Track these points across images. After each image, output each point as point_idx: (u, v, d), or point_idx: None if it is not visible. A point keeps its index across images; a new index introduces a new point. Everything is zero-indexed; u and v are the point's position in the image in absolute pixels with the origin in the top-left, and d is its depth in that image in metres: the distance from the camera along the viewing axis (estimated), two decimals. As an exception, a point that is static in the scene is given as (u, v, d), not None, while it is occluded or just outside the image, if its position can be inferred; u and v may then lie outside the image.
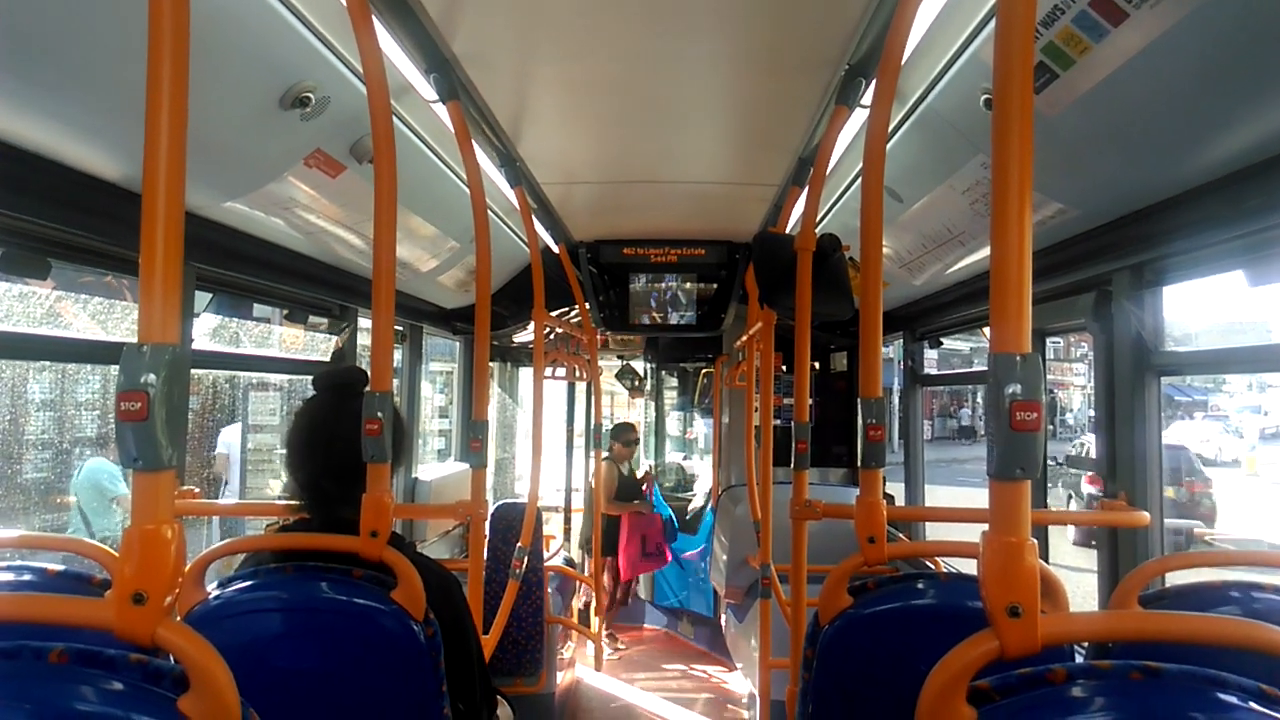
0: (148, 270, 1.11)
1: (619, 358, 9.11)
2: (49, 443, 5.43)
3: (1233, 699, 1.03)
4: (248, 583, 1.75)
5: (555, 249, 4.79)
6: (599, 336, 6.30)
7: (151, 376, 1.09)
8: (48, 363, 5.08)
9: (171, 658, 1.11)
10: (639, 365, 9.11)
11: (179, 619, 1.49)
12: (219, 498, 6.04)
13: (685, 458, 9.97)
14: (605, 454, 6.87)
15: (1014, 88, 1.12)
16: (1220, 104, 1.81)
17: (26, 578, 1.86)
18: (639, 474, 7.49)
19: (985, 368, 1.15)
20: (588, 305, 5.30)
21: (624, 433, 7.45)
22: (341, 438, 1.81)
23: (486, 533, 3.99)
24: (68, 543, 2.52)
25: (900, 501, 4.93)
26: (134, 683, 1.07)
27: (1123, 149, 2.16)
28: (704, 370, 8.59)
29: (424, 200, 3.46)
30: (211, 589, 1.74)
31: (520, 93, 2.81)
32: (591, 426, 6.98)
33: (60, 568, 1.88)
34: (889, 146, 2.43)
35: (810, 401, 3.11)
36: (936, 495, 5.45)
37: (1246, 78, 1.69)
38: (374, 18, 1.87)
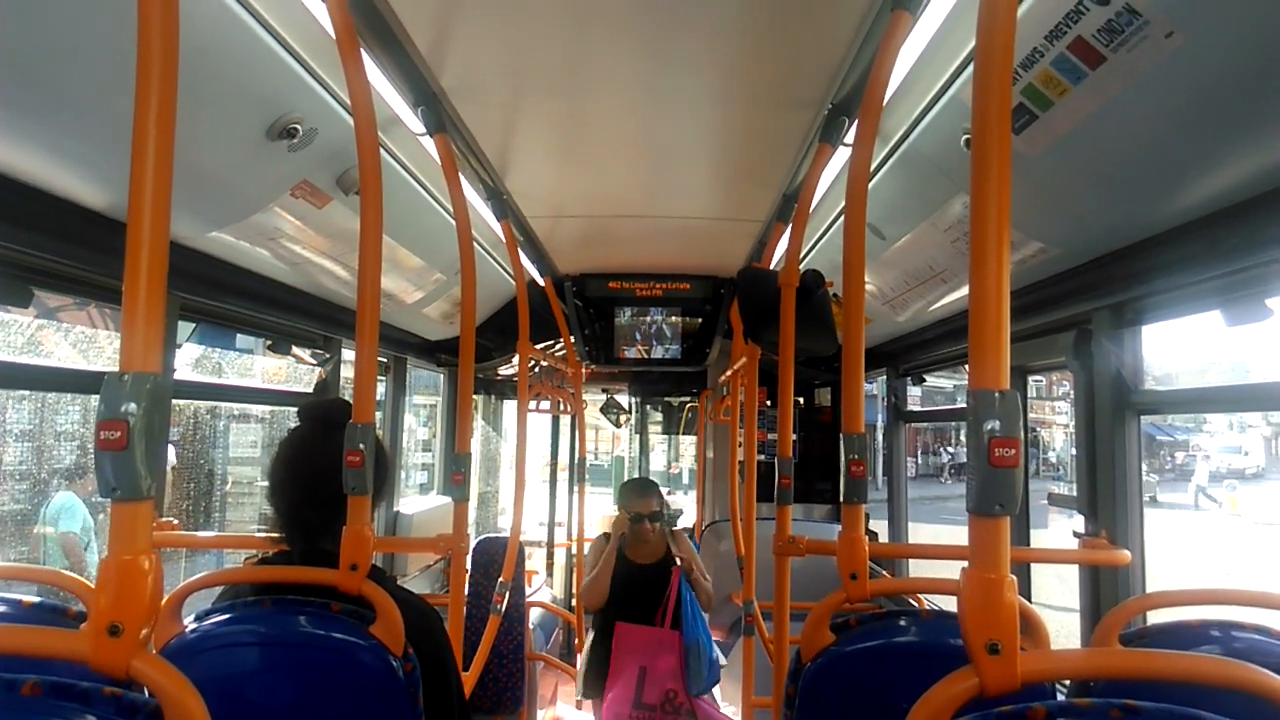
0: (130, 299, 1.11)
1: (603, 391, 9.10)
2: (26, 474, 5.37)
3: None
4: (225, 616, 1.72)
5: (541, 282, 4.81)
6: (584, 370, 6.30)
7: (132, 406, 1.09)
8: (26, 392, 5.04)
9: (146, 691, 1.09)
10: (624, 399, 9.09)
11: (155, 652, 1.47)
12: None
13: (669, 492, 9.93)
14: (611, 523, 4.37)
15: (992, 128, 1.14)
16: (1198, 146, 1.84)
17: (1, 609, 1.83)
18: (673, 553, 4.33)
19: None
20: (573, 338, 5.30)
21: (631, 497, 4.35)
22: (324, 469, 1.80)
23: (468, 567, 3.97)
24: (43, 574, 2.48)
25: (884, 538, 4.93)
26: (108, 716, 1.06)
27: (1102, 189, 2.18)
28: (688, 404, 8.58)
29: (410, 232, 3.47)
30: (188, 622, 1.72)
31: (507, 127, 2.83)
32: (575, 460, 6.95)
33: (35, 599, 1.86)
34: (872, 185, 2.45)
35: (794, 437, 3.11)
36: (920, 534, 5.44)
37: (1224, 120, 1.72)
38: (362, 50, 1.89)
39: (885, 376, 5.03)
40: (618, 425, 9.72)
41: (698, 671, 3.97)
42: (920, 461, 28.73)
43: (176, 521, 2.68)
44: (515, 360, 4.94)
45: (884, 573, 4.66)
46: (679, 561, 4.29)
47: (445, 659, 1.88)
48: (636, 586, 4.22)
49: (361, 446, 1.77)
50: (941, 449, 30.31)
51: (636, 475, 9.06)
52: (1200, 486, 24.04)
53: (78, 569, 5.38)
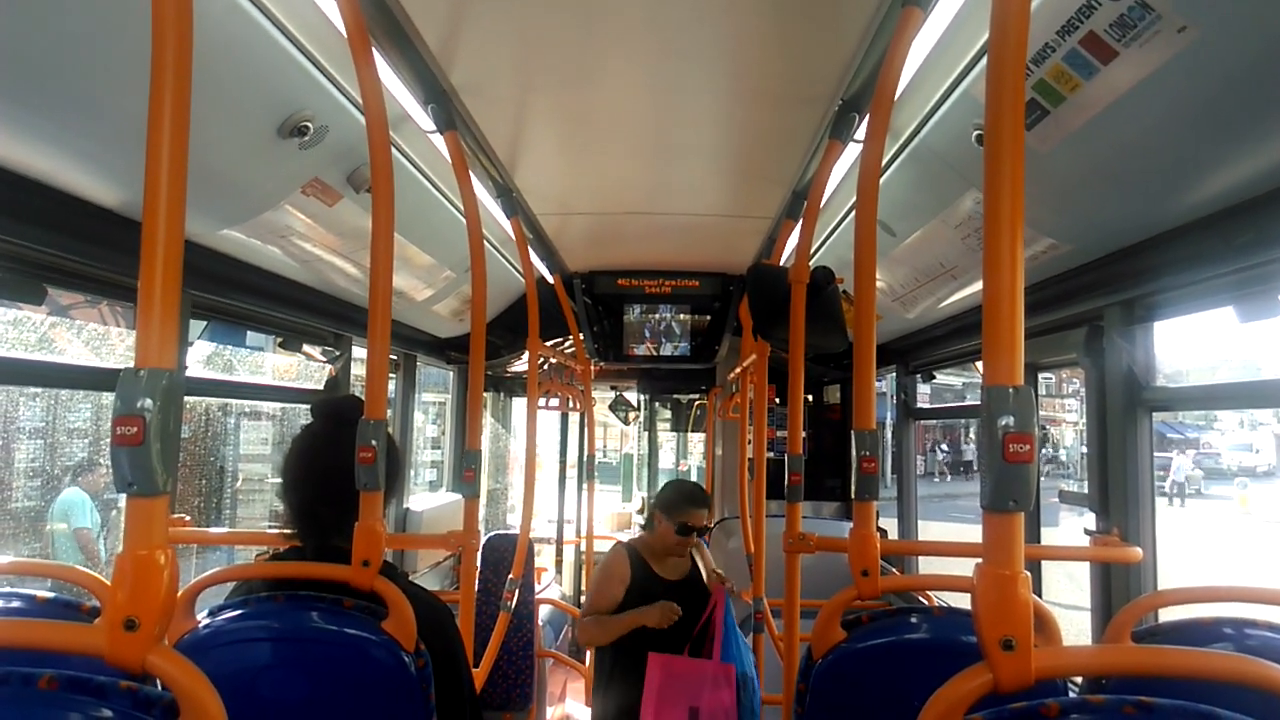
0: (146, 295, 1.12)
1: (612, 388, 9.11)
2: (39, 470, 5.40)
3: None
4: (238, 611, 1.73)
5: (550, 279, 4.81)
6: (593, 367, 6.30)
7: (148, 401, 1.09)
8: (39, 389, 5.07)
9: (161, 685, 1.10)
10: (632, 396, 9.10)
11: (169, 647, 1.48)
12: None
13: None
14: (638, 528, 3.67)
15: (1005, 124, 1.14)
16: (1210, 141, 1.83)
17: (15, 604, 1.84)
18: (699, 566, 3.77)
19: (977, 401, 1.15)
20: (582, 336, 5.30)
21: (684, 504, 3.61)
22: (338, 465, 1.81)
23: (478, 564, 3.97)
24: (57, 569, 2.50)
25: (894, 535, 4.92)
26: (124, 710, 1.07)
27: (1114, 185, 2.18)
28: (697, 402, 8.57)
29: (420, 230, 3.48)
30: (202, 617, 1.73)
31: (517, 124, 2.84)
32: (585, 457, 6.96)
33: (50, 594, 1.87)
34: (882, 181, 2.45)
35: (804, 434, 3.10)
36: (929, 532, 5.44)
37: (1237, 115, 1.71)
38: (373, 49, 1.90)
39: (895, 373, 5.03)
40: (626, 423, 9.73)
41: (750, 709, 3.34)
42: (928, 458, 28.70)
43: (189, 518, 2.69)
44: (525, 357, 4.94)
45: (894, 570, 4.66)
46: (708, 576, 3.72)
47: (457, 654, 1.88)
48: (642, 600, 3.53)
49: (373, 443, 1.78)
50: (938, 446, 30.28)
51: (645, 471, 9.02)
52: (1177, 483, 23.86)
53: (93, 564, 5.41)
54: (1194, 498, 23.97)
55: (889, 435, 5.50)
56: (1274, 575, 14.30)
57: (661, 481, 9.54)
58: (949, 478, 28.97)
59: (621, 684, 3.53)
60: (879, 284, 3.68)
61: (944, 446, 30.48)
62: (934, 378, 4.87)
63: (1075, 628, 4.67)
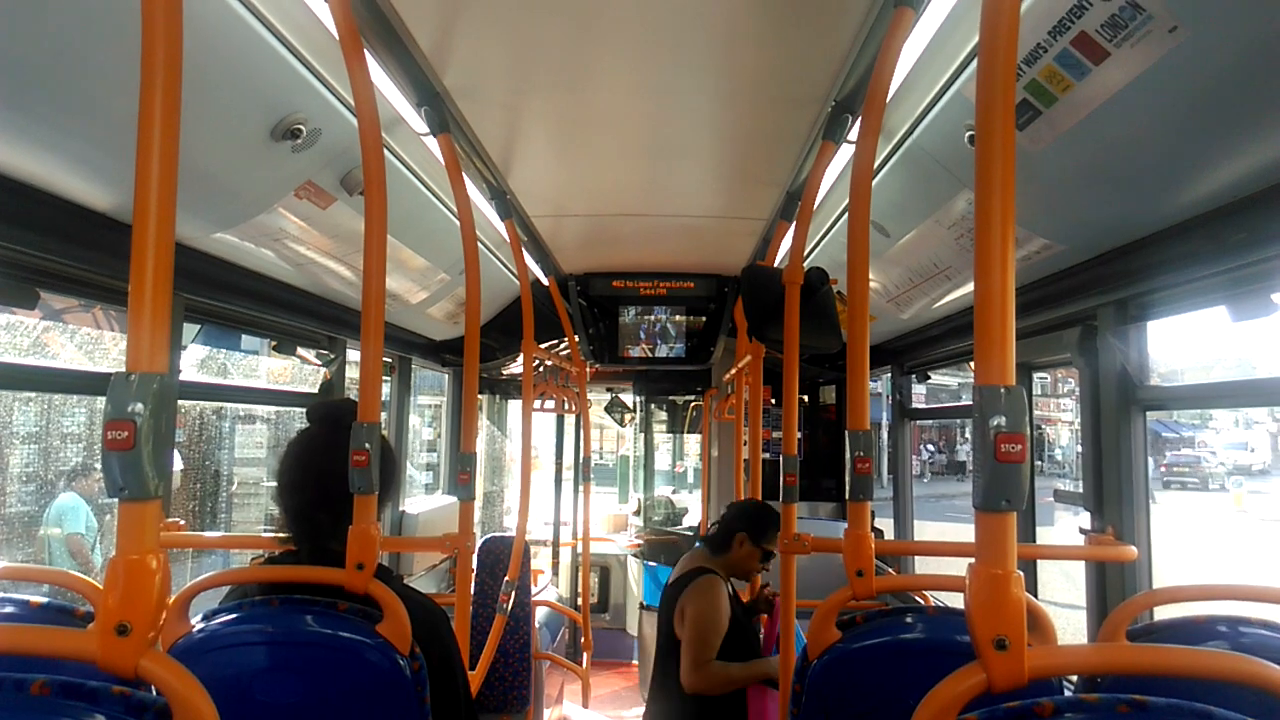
0: (137, 300, 1.12)
1: (608, 390, 9.11)
2: (33, 475, 5.38)
3: None
4: (232, 615, 1.73)
5: (545, 281, 4.81)
6: (588, 369, 6.30)
7: (139, 406, 1.09)
8: (33, 394, 5.06)
9: (154, 690, 1.10)
10: (628, 398, 9.10)
11: (162, 651, 1.48)
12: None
13: (674, 491, 9.93)
14: (712, 557, 3.44)
15: (996, 124, 1.14)
16: (1202, 140, 1.84)
17: (8, 610, 1.84)
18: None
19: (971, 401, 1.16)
20: (577, 338, 5.30)
21: (774, 532, 3.42)
22: (334, 469, 1.80)
23: (474, 566, 3.97)
24: (51, 574, 2.49)
25: (889, 535, 4.92)
26: (116, 715, 1.06)
27: (1106, 185, 2.18)
28: (693, 403, 8.57)
29: (414, 232, 3.47)
30: (196, 621, 1.73)
31: (511, 126, 2.84)
32: (580, 459, 6.96)
33: (43, 600, 1.86)
34: (875, 182, 2.45)
35: (799, 435, 3.10)
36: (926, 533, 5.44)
37: (1228, 115, 1.72)
38: (366, 51, 1.89)
39: (890, 374, 5.03)
40: (622, 424, 9.73)
41: None
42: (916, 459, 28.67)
43: (183, 522, 2.69)
44: (520, 360, 4.94)
45: (889, 570, 4.66)
46: (759, 592, 3.69)
47: (452, 657, 1.88)
48: (737, 631, 3.36)
49: (367, 446, 1.77)
50: (923, 446, 30.27)
51: (641, 472, 8.99)
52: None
53: (85, 570, 5.40)
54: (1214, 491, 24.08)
55: (884, 435, 5.49)
56: (1269, 574, 14.31)
57: (659, 483, 9.54)
58: (927, 478, 28.90)
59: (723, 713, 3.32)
60: (873, 284, 3.68)
61: (929, 446, 30.48)
62: (929, 378, 4.87)
63: (1073, 627, 4.67)
